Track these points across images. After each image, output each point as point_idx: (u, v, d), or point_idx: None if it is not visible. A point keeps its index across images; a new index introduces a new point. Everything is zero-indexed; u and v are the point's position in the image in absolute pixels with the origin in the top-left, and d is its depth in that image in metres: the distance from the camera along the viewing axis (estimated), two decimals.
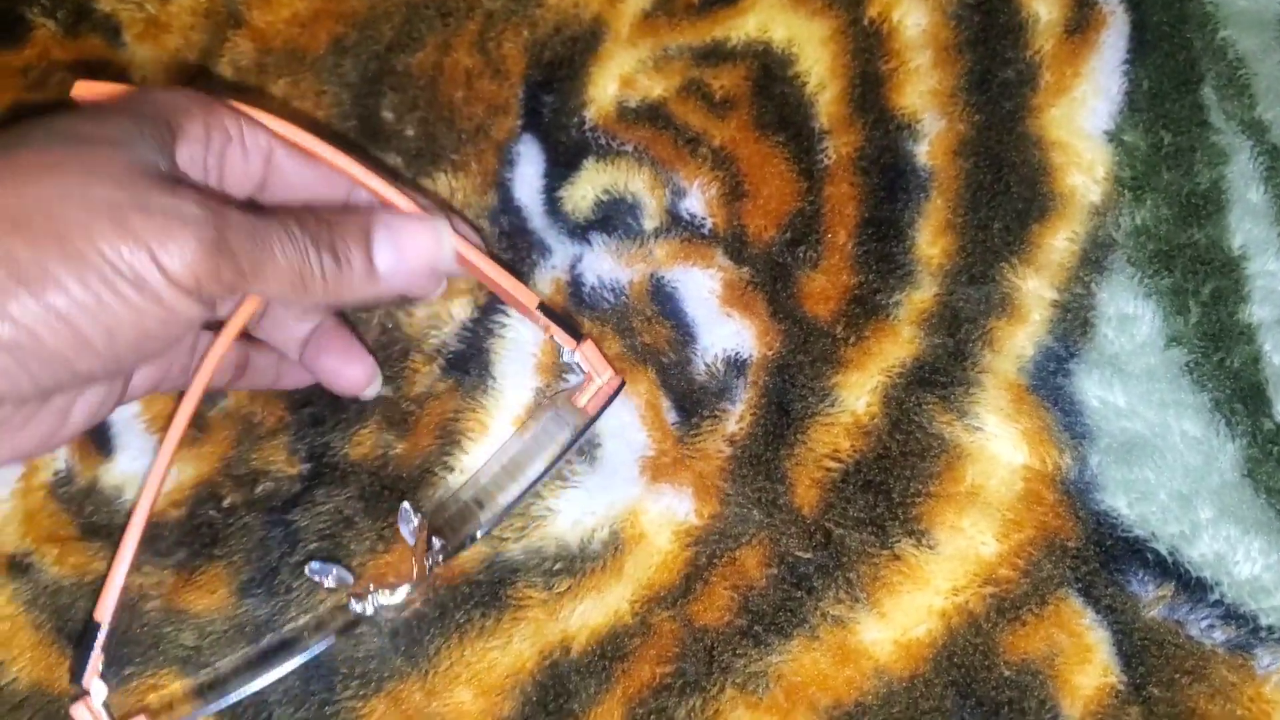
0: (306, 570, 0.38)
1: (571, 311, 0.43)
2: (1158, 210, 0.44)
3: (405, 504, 0.38)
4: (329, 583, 0.38)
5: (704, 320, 0.43)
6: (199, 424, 0.42)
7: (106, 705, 0.35)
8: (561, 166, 0.46)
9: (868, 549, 0.39)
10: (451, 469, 0.41)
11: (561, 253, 0.45)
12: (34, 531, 0.41)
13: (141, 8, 0.49)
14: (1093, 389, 0.41)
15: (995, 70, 0.46)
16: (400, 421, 0.42)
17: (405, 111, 0.47)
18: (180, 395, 0.35)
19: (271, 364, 0.41)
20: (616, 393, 0.40)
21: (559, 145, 0.46)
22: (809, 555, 0.40)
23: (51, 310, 0.27)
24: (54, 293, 0.27)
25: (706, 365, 0.43)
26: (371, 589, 0.38)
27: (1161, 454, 0.40)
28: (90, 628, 0.34)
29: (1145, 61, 0.46)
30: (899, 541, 0.39)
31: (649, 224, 0.45)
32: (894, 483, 0.40)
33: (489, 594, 0.39)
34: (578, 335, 0.40)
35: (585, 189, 0.45)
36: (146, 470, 0.36)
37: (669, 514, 0.40)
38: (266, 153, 0.34)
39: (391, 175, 0.39)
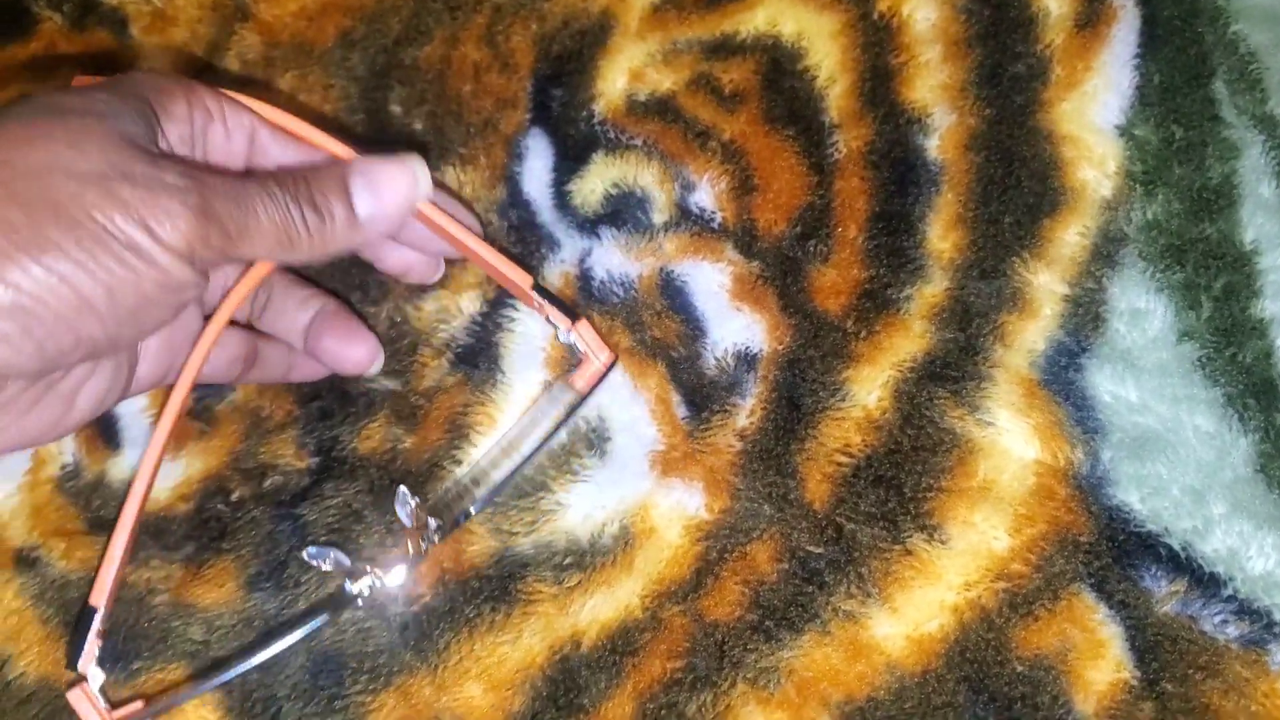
0: (304, 555, 0.37)
1: (581, 305, 0.43)
2: (1169, 205, 0.44)
3: (402, 487, 0.38)
4: (326, 566, 0.38)
5: (714, 314, 0.43)
6: (207, 418, 0.42)
7: (103, 690, 0.34)
8: (570, 160, 0.46)
9: (879, 544, 0.39)
10: (460, 463, 0.41)
11: (570, 247, 0.44)
12: (41, 525, 0.41)
13: (148, 1, 0.49)
14: (1105, 384, 0.41)
15: (1006, 64, 0.46)
16: (409, 415, 0.42)
17: (413, 105, 0.47)
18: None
19: (281, 356, 0.41)
20: (609, 369, 0.40)
21: (568, 139, 0.46)
22: (820, 550, 0.39)
23: (53, 273, 0.28)
24: (54, 256, 0.28)
25: (716, 360, 0.42)
26: (368, 570, 0.37)
27: (1174, 449, 0.40)
28: (86, 613, 0.34)
29: (1156, 56, 0.46)
30: (910, 536, 0.39)
31: (658, 218, 0.45)
32: (905, 477, 0.40)
33: (499, 588, 0.39)
34: (573, 315, 0.39)
35: (594, 183, 0.45)
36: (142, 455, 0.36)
37: (679, 508, 0.40)
38: (249, 132, 0.35)
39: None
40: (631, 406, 0.42)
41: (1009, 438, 0.40)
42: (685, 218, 0.45)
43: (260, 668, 0.38)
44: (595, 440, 0.41)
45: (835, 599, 0.39)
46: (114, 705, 0.36)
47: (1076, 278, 0.43)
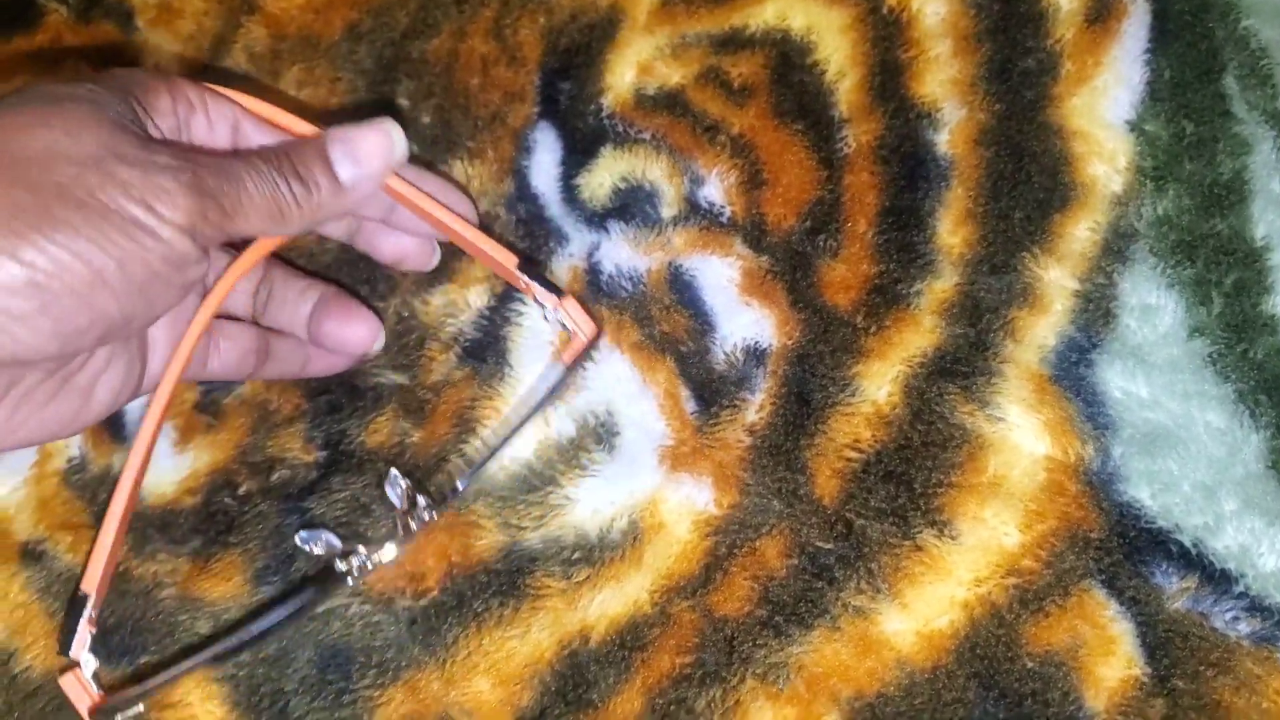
0: (296, 539, 0.37)
1: (589, 300, 0.43)
2: (1180, 200, 0.43)
3: (393, 470, 0.38)
4: (318, 549, 0.37)
5: (723, 309, 0.43)
6: (214, 411, 0.42)
7: (96, 677, 0.34)
8: (579, 154, 0.46)
9: (889, 539, 0.39)
10: (467, 456, 0.41)
11: (579, 241, 0.44)
12: (47, 519, 0.41)
13: None
14: (1115, 380, 0.41)
15: (1016, 59, 0.46)
16: (417, 409, 0.41)
17: (421, 99, 0.47)
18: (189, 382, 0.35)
19: (294, 351, 0.40)
20: (594, 342, 0.40)
21: (576, 133, 0.46)
22: (830, 545, 0.39)
23: (66, 250, 0.28)
24: (65, 234, 0.28)
25: (726, 354, 0.42)
26: (359, 550, 0.37)
27: (1185, 445, 0.40)
28: (77, 600, 0.34)
29: (1167, 51, 0.46)
30: (921, 532, 0.39)
31: (667, 212, 0.45)
32: (915, 473, 0.40)
33: (507, 583, 0.39)
34: (559, 292, 0.39)
35: (603, 176, 0.45)
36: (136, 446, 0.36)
37: (688, 503, 0.40)
38: (232, 122, 0.35)
39: None
40: (640, 401, 0.42)
41: (1019, 433, 0.40)
42: (694, 212, 0.44)
43: (267, 661, 0.38)
44: (604, 435, 0.41)
45: (845, 595, 0.39)
46: (108, 691, 0.35)
47: (1087, 273, 0.43)
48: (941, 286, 0.43)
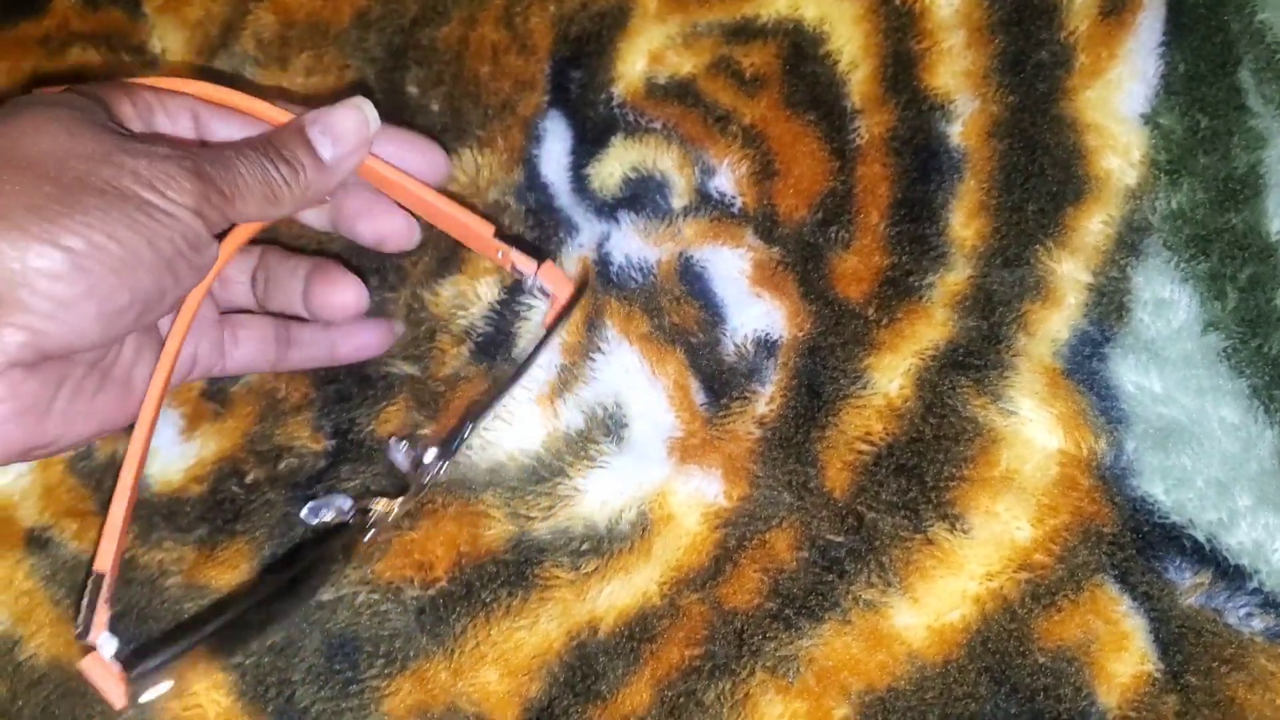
0: (302, 516, 0.37)
1: (599, 290, 0.43)
2: (1194, 194, 0.43)
3: (392, 439, 0.38)
4: (329, 516, 0.37)
5: (733, 300, 0.43)
6: (221, 399, 0.42)
7: (119, 658, 0.34)
8: (589, 143, 0.45)
9: (900, 533, 0.39)
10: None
11: (589, 231, 0.44)
12: (53, 506, 0.41)
13: None
14: (1129, 374, 0.41)
15: (1029, 51, 0.46)
16: (429, 402, 0.41)
17: (430, 86, 0.47)
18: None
19: (318, 335, 0.41)
20: (574, 300, 0.40)
21: (587, 122, 0.46)
22: (840, 539, 0.39)
23: (98, 232, 0.30)
24: (95, 218, 0.30)
25: (736, 346, 0.42)
26: (370, 506, 0.37)
27: (1199, 440, 0.40)
28: (94, 580, 0.34)
29: (1182, 44, 0.45)
30: (932, 525, 0.39)
31: (678, 202, 0.44)
32: (927, 466, 0.40)
33: (515, 573, 0.39)
34: (539, 255, 0.40)
35: (613, 166, 0.45)
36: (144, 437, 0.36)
37: (698, 495, 0.40)
38: (192, 112, 0.36)
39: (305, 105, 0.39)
40: (649, 393, 0.41)
41: (1032, 427, 0.40)
42: (705, 202, 0.44)
43: (274, 650, 0.38)
44: (612, 427, 0.41)
45: (856, 588, 0.38)
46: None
47: (1101, 267, 0.42)
48: (954, 279, 0.42)
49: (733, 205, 0.44)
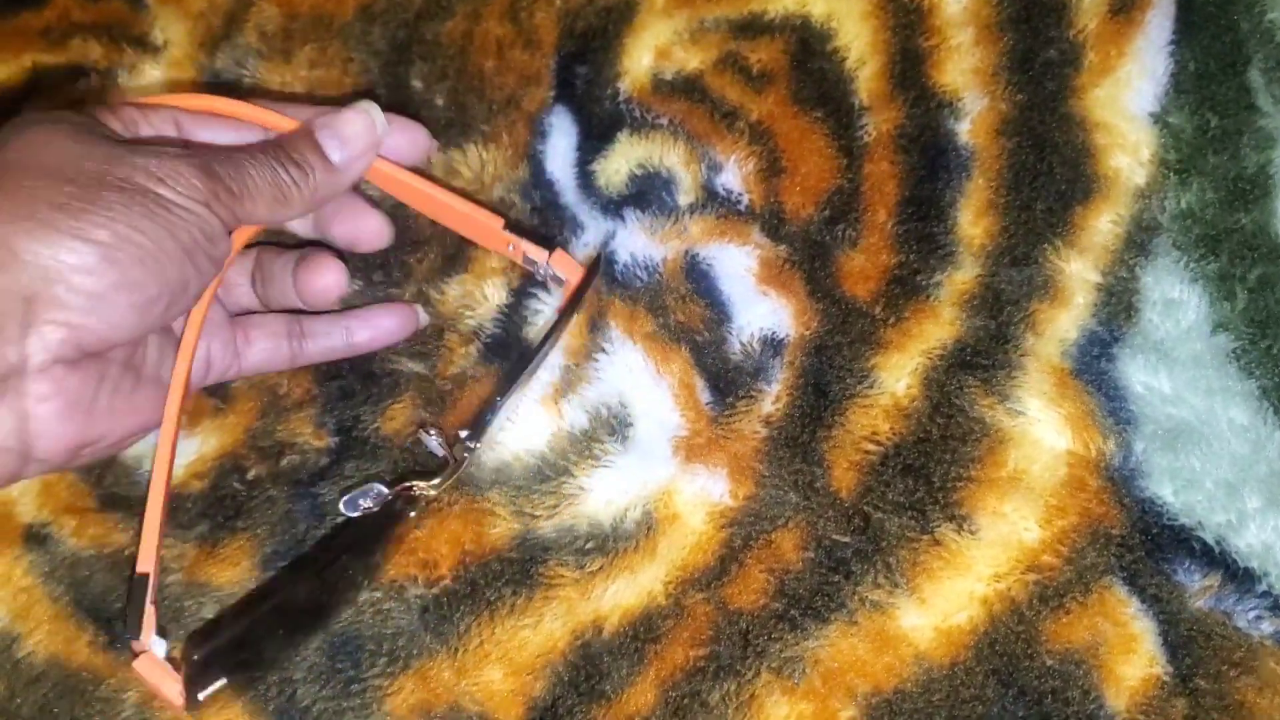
0: (341, 508, 0.37)
1: (603, 290, 0.42)
2: (1204, 194, 0.43)
3: (421, 430, 0.38)
4: (368, 503, 0.37)
5: (740, 298, 0.42)
6: (223, 394, 0.41)
7: (171, 659, 0.34)
8: (595, 139, 0.45)
9: (907, 533, 0.39)
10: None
11: (594, 229, 0.44)
12: (52, 502, 0.40)
13: None
14: (1137, 374, 0.40)
15: (1038, 49, 0.45)
16: (436, 400, 0.41)
17: (435, 81, 0.46)
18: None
19: (333, 325, 0.41)
20: (586, 282, 0.40)
21: (592, 117, 0.45)
22: (847, 539, 0.39)
23: (123, 224, 0.31)
24: (118, 212, 0.31)
25: (742, 344, 0.42)
26: (409, 485, 0.37)
27: (1208, 442, 0.39)
28: (137, 583, 0.34)
29: (1191, 43, 0.45)
30: (939, 526, 0.39)
31: (684, 199, 0.44)
32: (934, 466, 0.39)
33: (520, 572, 0.38)
34: (549, 245, 0.40)
35: (619, 162, 0.44)
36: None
37: (703, 495, 0.40)
38: (174, 123, 0.37)
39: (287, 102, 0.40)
40: (654, 392, 0.41)
41: (1040, 427, 0.40)
42: (711, 199, 0.44)
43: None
44: (616, 426, 0.41)
45: (862, 589, 0.38)
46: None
47: (1109, 266, 0.42)
48: (962, 278, 0.42)
49: (739, 202, 0.44)
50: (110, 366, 0.33)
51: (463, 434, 0.38)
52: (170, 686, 0.34)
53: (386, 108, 0.45)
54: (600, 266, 0.42)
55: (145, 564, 0.34)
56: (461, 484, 0.39)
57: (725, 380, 0.41)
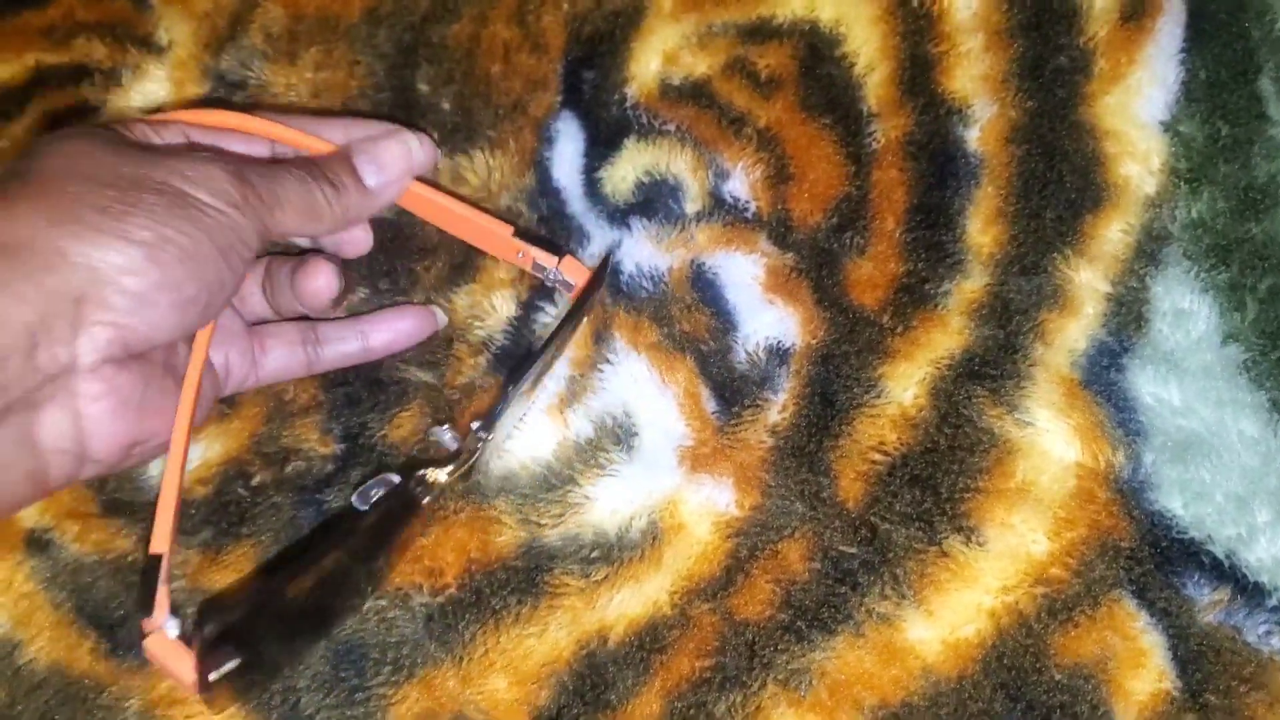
0: (354, 502, 0.36)
1: (608, 301, 0.42)
2: (1214, 203, 0.43)
3: (434, 426, 0.38)
4: (380, 492, 0.36)
5: (746, 307, 0.42)
6: (228, 400, 0.41)
7: (184, 637, 0.33)
8: (601, 146, 0.45)
9: (915, 545, 0.38)
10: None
11: (600, 239, 0.43)
12: (54, 507, 0.40)
13: None
14: (1147, 385, 0.40)
15: (1048, 56, 0.45)
16: (444, 409, 0.40)
17: (441, 84, 0.46)
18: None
19: (347, 330, 0.41)
20: (596, 280, 0.40)
21: (599, 123, 0.45)
22: (854, 550, 0.39)
23: (163, 224, 0.31)
24: (159, 213, 0.32)
25: (748, 354, 0.41)
26: (420, 473, 0.36)
27: (1218, 454, 0.39)
28: (151, 562, 0.34)
29: (1202, 51, 0.45)
30: (947, 538, 0.38)
31: (691, 207, 0.44)
32: (942, 477, 0.39)
33: (525, 580, 0.38)
34: (558, 251, 0.40)
35: (626, 169, 0.44)
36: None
37: (709, 505, 0.39)
38: (184, 137, 0.37)
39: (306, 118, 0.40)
40: (658, 401, 0.41)
41: (1049, 438, 0.40)
42: (718, 207, 0.43)
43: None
44: (622, 436, 0.40)
45: (869, 600, 0.38)
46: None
47: (1119, 276, 0.42)
48: (970, 287, 0.42)
49: (746, 210, 0.43)
50: (153, 367, 0.34)
51: (474, 425, 0.38)
52: (182, 665, 0.32)
53: (392, 111, 0.46)
54: (610, 265, 0.42)
55: (160, 544, 0.34)
56: (468, 492, 0.39)
57: (731, 390, 0.41)
